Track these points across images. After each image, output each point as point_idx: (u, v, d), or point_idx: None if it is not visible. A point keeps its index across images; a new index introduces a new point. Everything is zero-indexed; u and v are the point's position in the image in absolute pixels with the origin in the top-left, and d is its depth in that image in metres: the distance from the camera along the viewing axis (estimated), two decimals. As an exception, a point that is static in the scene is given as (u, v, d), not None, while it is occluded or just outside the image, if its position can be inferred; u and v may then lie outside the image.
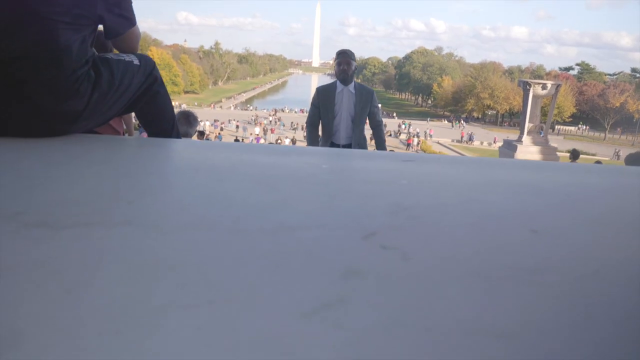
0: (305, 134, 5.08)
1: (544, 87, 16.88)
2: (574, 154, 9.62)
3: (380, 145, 4.67)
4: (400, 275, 0.62)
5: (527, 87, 16.87)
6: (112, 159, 1.28)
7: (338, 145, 4.59)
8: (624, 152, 52.65)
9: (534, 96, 16.96)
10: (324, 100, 4.53)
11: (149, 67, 2.00)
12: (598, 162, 11.42)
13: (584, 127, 73.88)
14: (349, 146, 4.55)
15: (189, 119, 3.53)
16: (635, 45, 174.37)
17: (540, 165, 1.66)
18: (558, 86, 17.31)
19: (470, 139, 51.11)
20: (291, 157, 1.38)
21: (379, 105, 4.70)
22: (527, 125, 17.01)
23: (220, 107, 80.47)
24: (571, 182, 1.34)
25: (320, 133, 4.75)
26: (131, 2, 1.81)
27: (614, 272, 0.69)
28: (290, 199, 0.95)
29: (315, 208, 0.90)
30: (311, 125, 4.76)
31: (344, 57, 4.41)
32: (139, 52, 2.10)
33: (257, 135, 38.91)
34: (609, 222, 0.95)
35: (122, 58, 1.91)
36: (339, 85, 4.47)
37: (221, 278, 0.59)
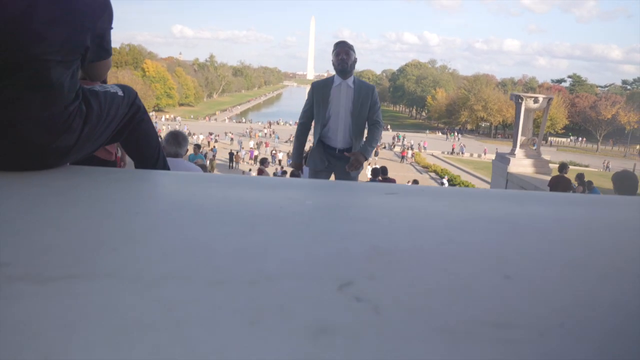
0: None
1: (535, 100, 17.03)
2: (562, 167, 9.95)
3: (371, 142, 4.13)
4: (370, 332, 0.62)
5: (519, 100, 17.01)
6: (97, 197, 1.30)
7: (334, 150, 4.12)
8: (614, 164, 53.25)
9: (526, 110, 17.10)
10: (319, 95, 4.06)
11: (131, 97, 2.03)
12: (580, 175, 11.57)
13: (581, 138, 74.41)
14: (347, 151, 4.09)
15: (178, 139, 3.53)
16: (625, 58, 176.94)
17: (522, 197, 1.69)
18: (550, 100, 17.45)
19: (461, 150, 51.50)
20: (276, 192, 1.41)
21: (379, 105, 4.25)
22: (520, 138, 17.13)
23: (215, 119, 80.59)
24: (552, 215, 1.37)
25: (311, 137, 4.32)
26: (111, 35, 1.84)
27: (580, 327, 0.70)
28: (272, 243, 0.97)
29: (295, 254, 0.92)
30: (301, 126, 4.26)
31: (343, 47, 4.01)
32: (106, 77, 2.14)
33: (251, 148, 38.99)
34: (585, 265, 0.98)
35: (108, 90, 1.94)
36: (337, 79, 4.07)
37: (195, 337, 0.60)
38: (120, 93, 2.02)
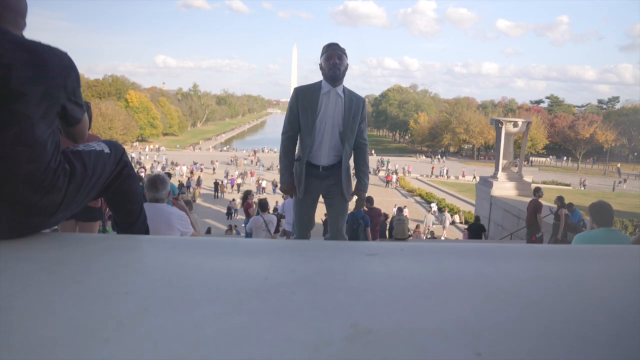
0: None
1: (515, 124, 17.44)
2: (536, 191, 10.67)
3: (361, 169, 3.76)
4: None
5: (499, 125, 17.41)
6: (87, 274, 1.34)
7: (317, 168, 3.59)
8: (594, 181, 54.11)
9: (506, 134, 17.49)
10: (304, 103, 3.50)
11: (118, 154, 2.10)
12: (560, 198, 11.87)
13: (567, 158, 75.61)
14: (334, 169, 3.62)
15: (156, 185, 3.56)
16: (599, 78, 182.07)
17: (497, 252, 1.76)
18: (529, 123, 17.88)
19: (445, 173, 52.28)
20: (260, 259, 1.46)
21: (367, 123, 3.81)
22: (501, 162, 17.47)
23: (200, 148, 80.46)
24: (526, 275, 1.44)
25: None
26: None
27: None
28: (255, 325, 1.03)
29: (277, 337, 0.97)
30: (288, 140, 3.63)
31: (335, 50, 3.49)
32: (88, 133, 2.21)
33: (232, 176, 38.96)
34: (558, 334, 1.04)
35: (93, 148, 2.00)
36: (325, 85, 3.51)
37: None
38: (106, 150, 2.08)
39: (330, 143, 3.55)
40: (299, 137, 3.60)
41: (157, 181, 3.57)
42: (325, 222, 21.75)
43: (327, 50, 3.50)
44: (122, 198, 2.21)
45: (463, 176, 52.39)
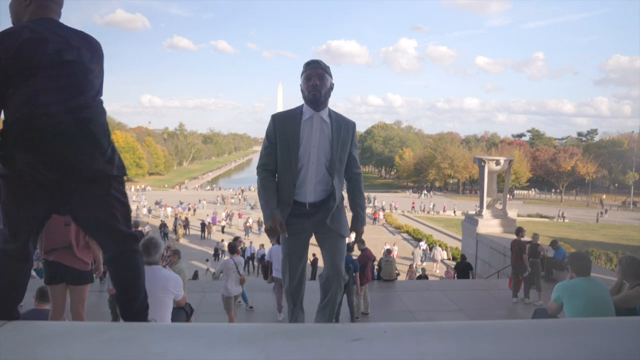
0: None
1: (497, 163, 17.84)
2: (518, 231, 10.82)
3: (356, 201, 3.25)
4: None
5: (482, 163, 17.79)
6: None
7: (304, 206, 3.06)
8: (578, 212, 54.80)
9: (489, 172, 17.86)
10: (283, 131, 3.01)
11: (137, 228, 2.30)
12: (554, 242, 12.10)
13: (556, 189, 76.50)
14: (322, 204, 3.09)
15: (149, 249, 3.66)
16: (576, 111, 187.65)
17: (477, 331, 1.86)
18: (511, 161, 18.30)
19: (422, 208, 52.85)
20: (252, 350, 1.54)
21: (358, 150, 3.31)
22: (486, 199, 17.75)
23: (186, 187, 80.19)
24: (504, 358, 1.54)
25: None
26: None
27: None
28: None
29: None
30: (265, 173, 3.10)
31: (315, 68, 3.00)
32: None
33: (214, 215, 38.65)
34: None
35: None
36: (307, 110, 3.03)
37: None
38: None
39: (317, 177, 3.03)
40: (282, 171, 3.07)
41: (150, 246, 3.66)
42: (313, 262, 21.54)
43: (306, 69, 3.03)
44: (129, 271, 2.28)
45: (444, 211, 53.09)
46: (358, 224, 3.25)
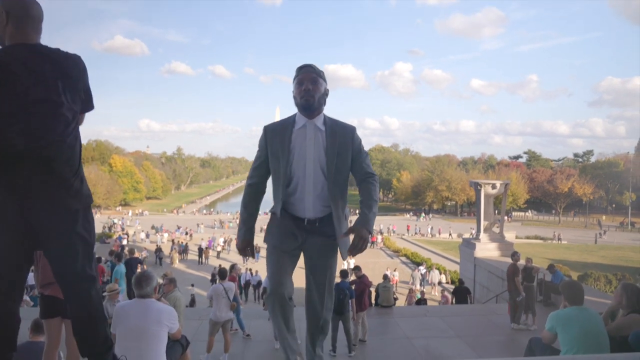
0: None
1: (493, 186, 17.91)
2: (513, 255, 10.75)
3: (371, 206, 2.72)
4: None
5: (479, 187, 17.85)
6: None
7: (302, 221, 2.83)
8: (573, 234, 54.64)
9: (485, 195, 17.91)
10: (276, 143, 2.81)
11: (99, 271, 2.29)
12: (551, 266, 12.12)
13: (554, 211, 76.25)
14: (323, 222, 2.82)
15: (141, 282, 3.69)
16: (572, 132, 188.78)
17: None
18: (507, 185, 18.38)
19: (416, 231, 52.84)
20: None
21: (366, 152, 2.96)
22: (483, 223, 17.76)
23: (183, 212, 79.90)
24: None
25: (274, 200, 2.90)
26: None
27: None
28: None
29: None
30: (250, 188, 2.93)
31: (308, 72, 2.81)
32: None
33: (222, 245, 38.29)
34: None
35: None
36: (299, 119, 2.83)
37: None
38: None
39: (315, 191, 2.79)
40: (277, 185, 2.84)
41: (142, 279, 3.69)
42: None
43: (298, 74, 2.83)
44: (81, 311, 2.24)
45: (439, 233, 53.04)
46: (359, 223, 2.65)
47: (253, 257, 3.10)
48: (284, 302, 2.79)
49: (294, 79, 2.85)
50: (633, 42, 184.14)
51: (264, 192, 2.96)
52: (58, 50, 2.19)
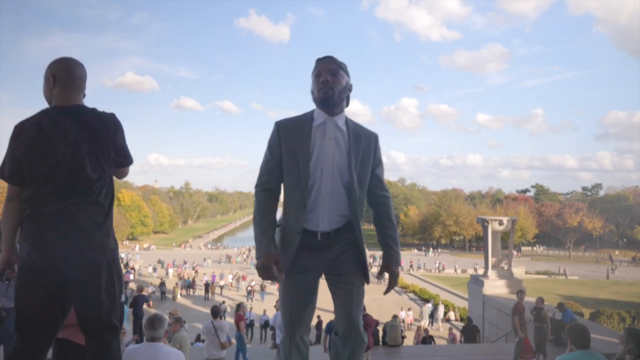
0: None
1: (500, 223, 17.83)
2: (518, 293, 10.55)
3: (386, 232, 2.52)
4: None
5: (486, 224, 17.77)
6: None
7: (314, 235, 2.41)
8: (578, 269, 53.76)
9: (493, 232, 17.81)
10: (289, 140, 2.41)
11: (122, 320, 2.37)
12: (560, 304, 11.95)
13: (567, 246, 74.96)
14: (338, 236, 2.44)
15: (154, 324, 3.74)
16: (579, 166, 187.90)
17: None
18: (514, 221, 18.30)
19: (419, 267, 52.42)
20: None
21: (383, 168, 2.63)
22: (491, 260, 17.60)
23: (190, 246, 79.77)
24: None
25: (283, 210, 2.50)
26: None
27: None
28: None
29: None
30: (264, 194, 2.43)
31: (326, 63, 2.44)
32: None
33: (230, 283, 37.97)
34: None
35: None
36: (318, 115, 2.44)
37: None
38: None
39: (332, 199, 2.40)
40: (288, 191, 2.42)
41: (155, 320, 3.75)
42: (318, 325, 20.35)
43: (317, 66, 2.47)
44: None
45: (443, 269, 52.36)
46: (391, 263, 2.47)
47: (279, 277, 2.30)
48: (301, 346, 2.49)
49: (312, 72, 2.48)
50: (635, 76, 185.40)
51: (278, 200, 2.49)
52: (92, 110, 2.35)
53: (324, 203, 2.39)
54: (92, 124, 2.28)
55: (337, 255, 2.46)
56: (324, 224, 2.41)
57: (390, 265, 2.48)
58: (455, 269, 51.22)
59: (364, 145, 2.46)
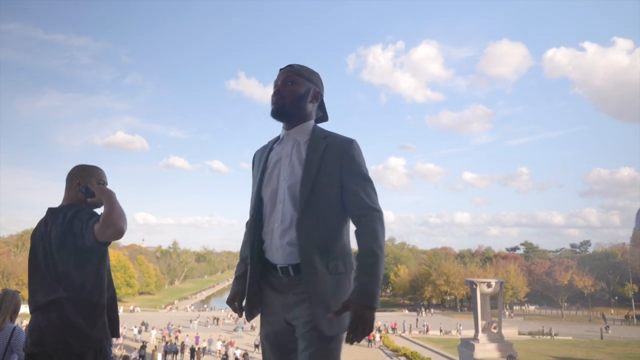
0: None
1: (489, 285, 17.83)
2: (509, 358, 10.33)
3: (364, 260, 1.88)
4: None
5: (474, 286, 17.77)
6: None
7: (274, 267, 2.02)
8: (570, 329, 52.79)
9: (481, 294, 17.77)
10: (255, 168, 2.26)
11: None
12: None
13: (565, 305, 74.03)
14: (293, 270, 1.97)
15: None
16: (567, 223, 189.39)
17: None
18: (502, 283, 18.31)
19: (404, 328, 50.97)
20: None
21: (371, 181, 2.06)
22: (480, 323, 17.45)
23: (176, 308, 77.58)
24: None
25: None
26: None
27: None
28: None
29: None
30: (245, 237, 2.28)
31: (283, 72, 2.16)
32: None
33: (219, 350, 36.58)
34: None
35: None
36: (282, 133, 2.21)
37: None
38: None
39: (283, 224, 2.01)
40: (251, 218, 2.16)
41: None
42: None
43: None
44: None
45: (427, 331, 51.44)
46: (352, 299, 1.84)
47: (238, 313, 2.16)
48: None
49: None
50: (615, 135, 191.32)
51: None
52: (72, 206, 2.43)
53: (276, 231, 2.01)
54: (69, 219, 2.38)
55: (297, 301, 1.98)
56: (277, 256, 2.00)
57: (353, 299, 1.84)
58: (441, 330, 50.38)
59: (325, 153, 2.02)
